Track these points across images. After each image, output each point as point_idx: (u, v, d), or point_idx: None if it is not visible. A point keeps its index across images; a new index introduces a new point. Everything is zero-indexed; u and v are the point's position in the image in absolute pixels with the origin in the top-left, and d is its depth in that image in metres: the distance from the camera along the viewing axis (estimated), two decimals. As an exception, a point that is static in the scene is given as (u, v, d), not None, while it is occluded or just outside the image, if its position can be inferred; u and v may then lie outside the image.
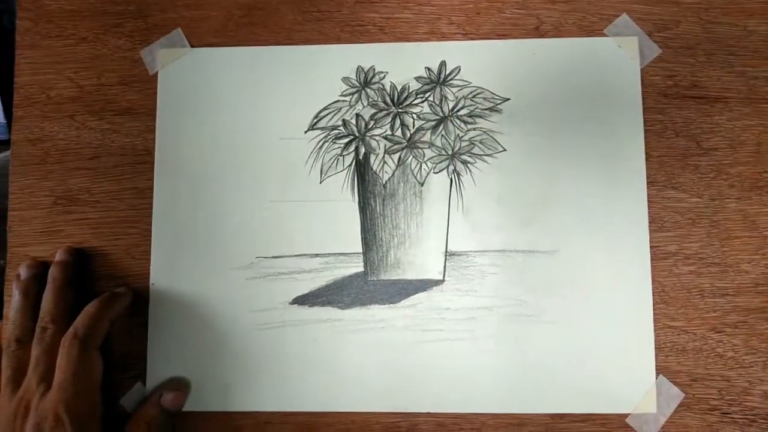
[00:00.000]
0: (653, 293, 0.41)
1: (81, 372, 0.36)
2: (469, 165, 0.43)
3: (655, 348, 0.41)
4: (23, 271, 0.42)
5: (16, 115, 0.45)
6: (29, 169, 0.44)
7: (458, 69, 0.44)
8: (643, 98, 0.43)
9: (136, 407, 0.41)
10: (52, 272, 0.41)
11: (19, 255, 0.44)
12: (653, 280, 0.41)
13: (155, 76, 0.44)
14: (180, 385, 0.41)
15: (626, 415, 0.40)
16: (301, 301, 0.42)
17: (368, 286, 0.42)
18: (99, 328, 0.38)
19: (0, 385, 0.37)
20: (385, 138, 0.43)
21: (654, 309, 0.41)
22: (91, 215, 0.44)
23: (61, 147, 0.44)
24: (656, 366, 0.41)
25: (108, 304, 0.40)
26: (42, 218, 0.44)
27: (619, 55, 0.43)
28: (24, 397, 0.36)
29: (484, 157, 0.43)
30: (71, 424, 0.34)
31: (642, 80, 0.43)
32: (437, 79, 0.44)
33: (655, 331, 0.41)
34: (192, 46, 0.45)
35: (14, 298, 0.41)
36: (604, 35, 0.44)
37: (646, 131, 0.43)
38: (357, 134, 0.44)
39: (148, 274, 0.43)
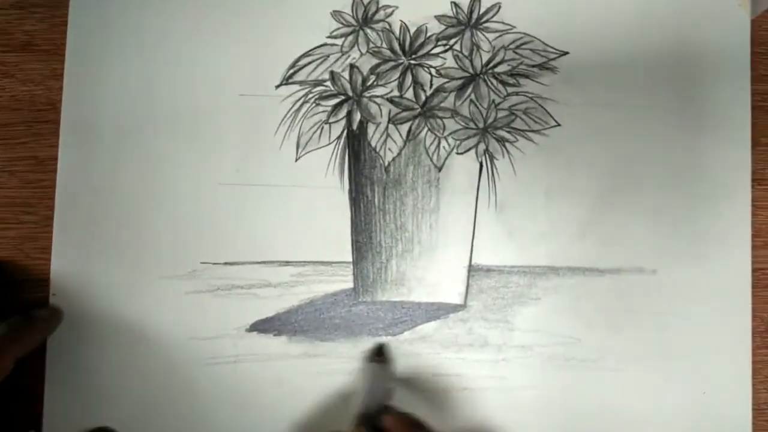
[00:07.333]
0: (752, 331, 0.36)
1: None
2: (507, 144, 0.37)
3: (753, 409, 0.35)
4: None
5: None
6: None
7: (498, 7, 0.37)
8: (751, 61, 0.37)
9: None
10: None
11: None
12: (754, 314, 0.36)
13: (67, -2, 0.36)
14: None
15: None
16: (264, 327, 0.37)
17: (359, 310, 0.37)
18: None
19: None
20: (391, 101, 0.37)
21: (753, 354, 0.35)
22: (-31, 194, 0.36)
23: (-75, 93, 0.36)
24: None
25: (17, 337, 0.35)
26: None
27: (720, 0, 0.37)
28: None
29: (530, 134, 0.37)
30: None
31: (752, 36, 0.37)
32: (467, 20, 0.38)
33: (753, 384, 0.35)
34: (120, -43, 0.36)
35: None
36: (703, -29, 0.36)
37: (753, 107, 0.37)
38: (350, 94, 0.37)
39: (48, 280, 0.37)
